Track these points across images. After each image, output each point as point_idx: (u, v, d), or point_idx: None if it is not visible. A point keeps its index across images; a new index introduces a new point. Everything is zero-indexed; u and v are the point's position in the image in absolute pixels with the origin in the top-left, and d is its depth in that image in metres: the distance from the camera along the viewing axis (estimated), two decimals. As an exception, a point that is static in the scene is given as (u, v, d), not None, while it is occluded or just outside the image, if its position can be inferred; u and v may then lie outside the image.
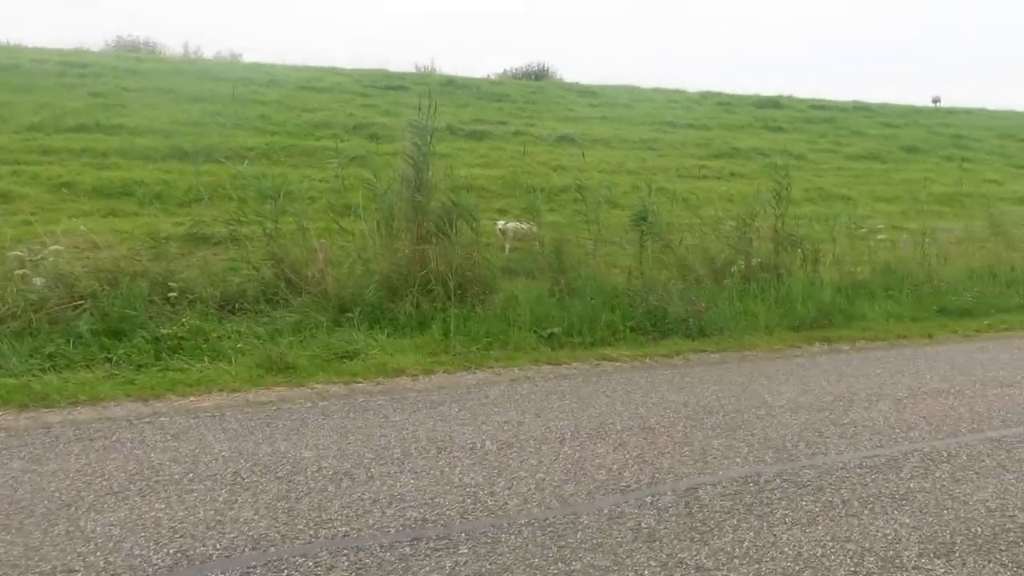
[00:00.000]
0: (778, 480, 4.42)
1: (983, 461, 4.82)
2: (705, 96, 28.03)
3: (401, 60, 41.87)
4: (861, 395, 6.38)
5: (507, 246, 11.71)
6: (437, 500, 4.08)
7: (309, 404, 5.88)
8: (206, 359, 6.80)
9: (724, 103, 27.17)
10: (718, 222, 11.09)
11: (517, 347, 7.74)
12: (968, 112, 31.35)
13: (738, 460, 4.75)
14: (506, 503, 4.06)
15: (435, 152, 9.23)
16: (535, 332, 8.10)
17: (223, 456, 4.69)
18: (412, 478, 4.37)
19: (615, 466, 4.60)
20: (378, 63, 26.85)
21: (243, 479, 4.34)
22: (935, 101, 33.91)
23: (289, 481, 4.32)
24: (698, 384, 6.70)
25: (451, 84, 24.63)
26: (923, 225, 13.32)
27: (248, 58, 28.93)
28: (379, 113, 19.43)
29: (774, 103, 27.74)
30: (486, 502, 4.07)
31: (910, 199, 18.32)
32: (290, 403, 5.91)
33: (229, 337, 7.28)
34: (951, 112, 31.15)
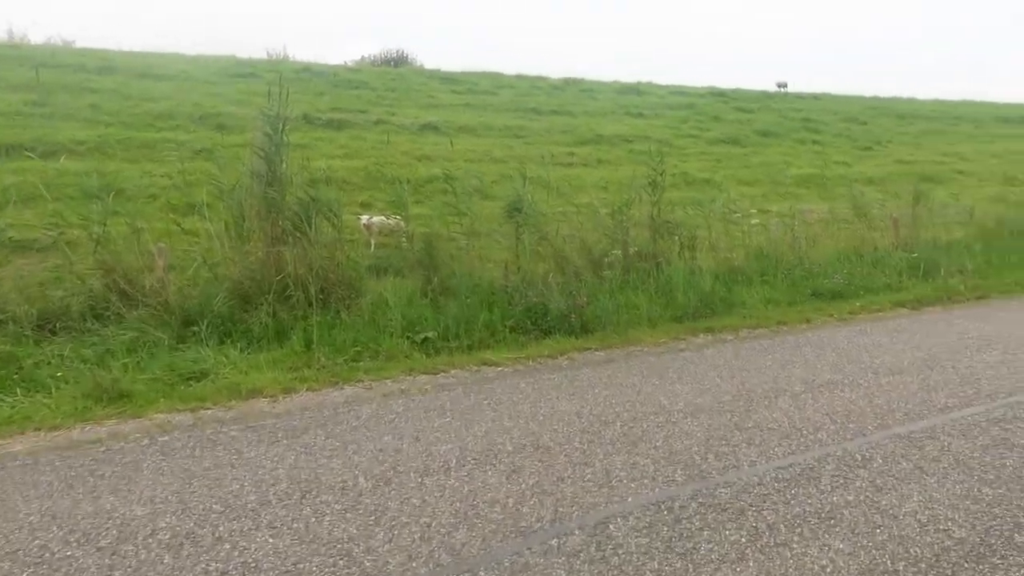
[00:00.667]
0: (694, 504, 3.93)
1: (899, 464, 4.51)
2: (567, 82, 27.87)
3: (252, 47, 39.87)
4: (758, 392, 6.04)
5: (373, 242, 10.94)
6: (302, 566, 3.35)
7: (146, 441, 4.99)
8: (19, 391, 5.75)
9: (587, 89, 27.10)
10: (594, 211, 10.69)
11: (389, 356, 7.03)
12: (815, 97, 32.61)
13: (646, 481, 4.24)
14: (387, 562, 3.38)
15: (289, 143, 8.35)
16: (408, 338, 7.41)
17: (30, 523, 3.78)
18: (271, 536, 3.61)
19: (511, 500, 3.99)
20: (227, 50, 25.20)
21: (53, 554, 3.47)
22: (781, 86, 35.14)
23: (114, 553, 3.47)
24: (588, 389, 6.19)
25: (307, 71, 23.40)
26: (790, 207, 13.45)
27: (83, 44, 26.54)
28: (228, 102, 18.05)
29: (635, 90, 27.90)
30: (363, 562, 3.37)
31: (770, 182, 18.71)
32: (123, 441, 4.99)
33: (49, 363, 6.23)
34: (799, 97, 32.28)
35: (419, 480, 4.27)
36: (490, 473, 4.36)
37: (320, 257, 8.00)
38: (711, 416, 5.41)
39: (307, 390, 6.15)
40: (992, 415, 5.41)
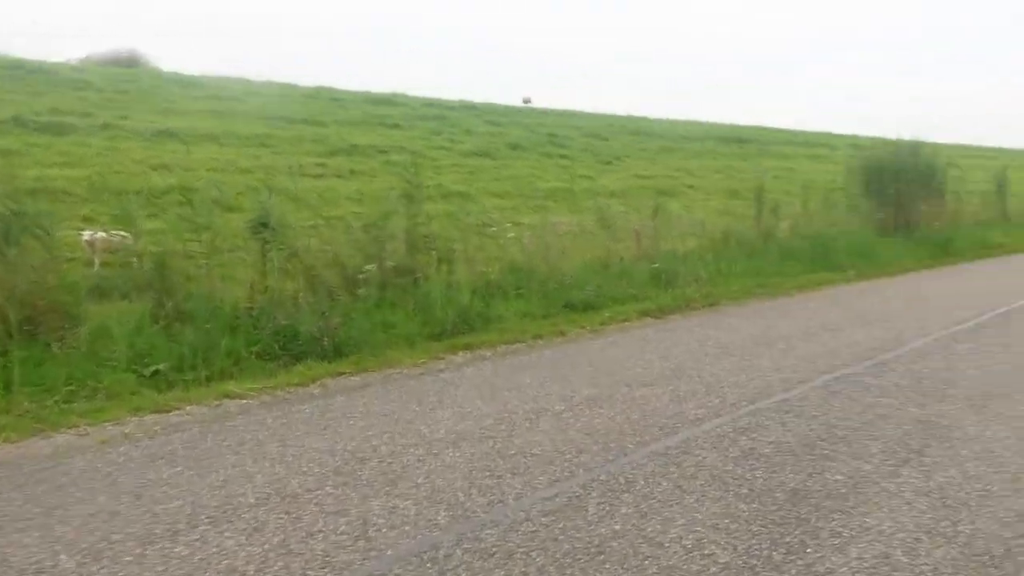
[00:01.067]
0: (459, 551, 3.60)
1: (660, 484, 4.47)
2: (318, 91, 27.00)
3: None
4: (519, 413, 5.87)
5: (97, 262, 9.73)
6: None
7: None
8: None
9: (338, 99, 26.39)
10: (347, 225, 10.21)
11: (111, 394, 6.14)
12: (560, 112, 34.02)
13: (407, 528, 3.86)
14: (90, 669, 2.75)
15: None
16: (135, 371, 6.55)
17: None
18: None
19: (251, 567, 3.45)
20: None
21: None
22: (526, 101, 36.49)
23: None
24: (343, 420, 5.72)
25: (20, 68, 20.79)
26: (542, 220, 13.70)
27: None
28: (-84, 100, 15.60)
29: (388, 100, 27.58)
30: (57, 673, 2.72)
31: (520, 195, 19.11)
32: None
33: None
34: (545, 112, 33.53)
35: (139, 551, 3.60)
36: (227, 534, 3.78)
37: (26, 280, 6.89)
38: (473, 444, 5.15)
39: (3, 442, 5.17)
40: (738, 424, 5.60)
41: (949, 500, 4.30)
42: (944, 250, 17.97)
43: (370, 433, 5.38)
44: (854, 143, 30.37)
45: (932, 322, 9.64)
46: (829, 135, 38.83)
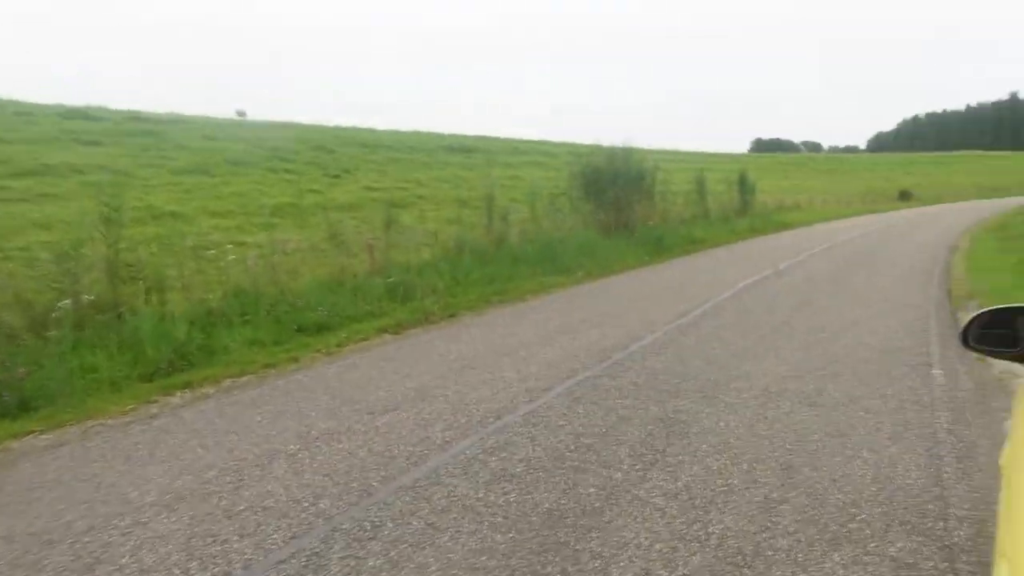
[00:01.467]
0: (173, 651, 2.97)
1: (410, 524, 4.06)
2: (-1, 104, 23.87)
3: None
4: (248, 459, 5.21)
5: None
6: None
7: None
8: None
9: (24, 113, 23.50)
10: (33, 256, 8.83)
11: None
12: (284, 125, 32.78)
13: (105, 629, 3.15)
14: None
15: None
16: None
17: None
18: None
19: None
20: None
21: None
22: (240, 114, 34.93)
23: None
24: (27, 493, 4.74)
25: None
26: (268, 238, 12.86)
27: None
28: None
29: (83, 114, 25.00)
30: None
31: (244, 212, 18.02)
32: None
33: None
34: (265, 126, 32.17)
35: None
36: None
37: None
38: (193, 504, 4.44)
39: None
40: (487, 444, 5.33)
41: (697, 500, 4.29)
42: (658, 247, 19.30)
43: (62, 507, 4.48)
44: (573, 151, 31.97)
45: (657, 317, 10.10)
46: (549, 143, 40.86)
